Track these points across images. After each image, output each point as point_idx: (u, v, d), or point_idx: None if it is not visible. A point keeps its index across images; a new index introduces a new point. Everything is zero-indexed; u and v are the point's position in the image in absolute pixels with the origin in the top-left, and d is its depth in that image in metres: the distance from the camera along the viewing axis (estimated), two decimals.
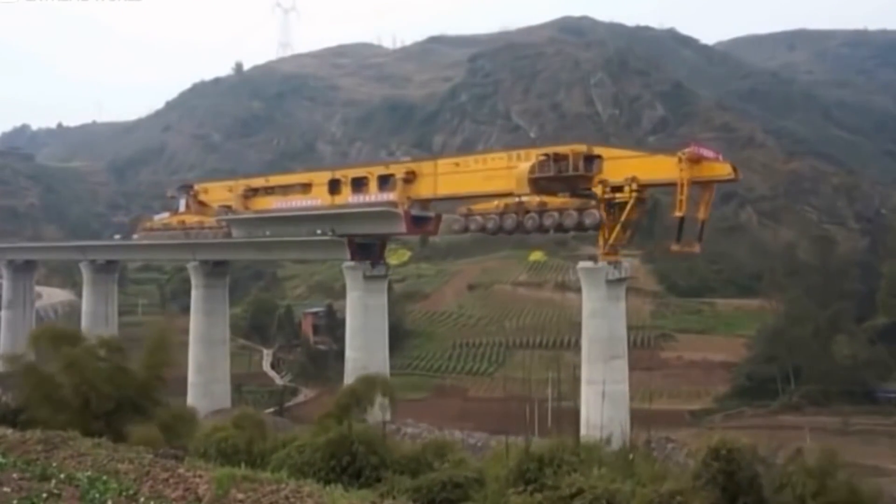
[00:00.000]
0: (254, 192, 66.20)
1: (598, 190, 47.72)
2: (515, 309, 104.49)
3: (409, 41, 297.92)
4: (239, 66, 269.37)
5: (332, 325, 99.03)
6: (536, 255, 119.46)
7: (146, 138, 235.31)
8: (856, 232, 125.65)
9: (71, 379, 18.47)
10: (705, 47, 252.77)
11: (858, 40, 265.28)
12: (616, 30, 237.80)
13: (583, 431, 42.34)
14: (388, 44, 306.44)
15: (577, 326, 56.94)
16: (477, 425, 63.51)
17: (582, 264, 51.25)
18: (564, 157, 46.82)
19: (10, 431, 11.46)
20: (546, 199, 48.65)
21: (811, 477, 9.66)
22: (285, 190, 64.66)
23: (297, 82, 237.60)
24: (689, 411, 75.26)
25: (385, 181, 57.28)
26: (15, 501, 7.71)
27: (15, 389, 20.83)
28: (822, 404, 71.51)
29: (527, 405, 44.00)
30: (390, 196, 56.09)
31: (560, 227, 49.10)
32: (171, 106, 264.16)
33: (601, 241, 49.15)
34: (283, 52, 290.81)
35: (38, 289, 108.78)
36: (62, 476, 8.69)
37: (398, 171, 56.56)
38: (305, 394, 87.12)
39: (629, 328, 56.97)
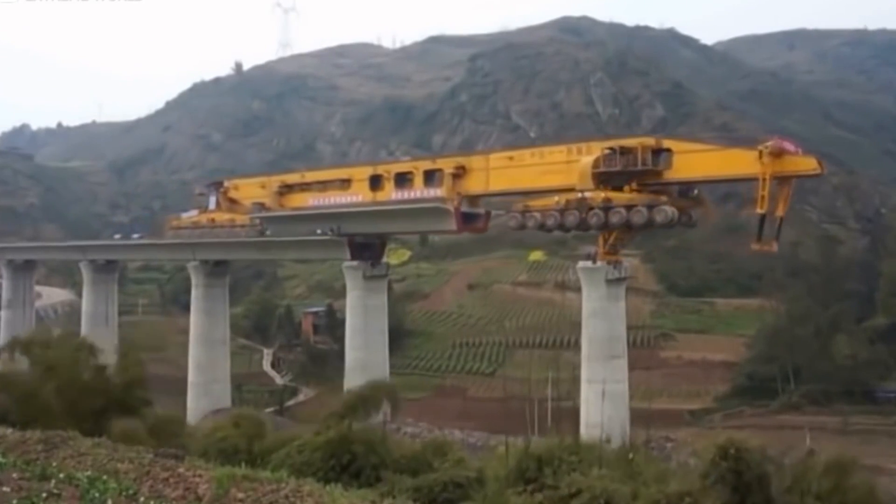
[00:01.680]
0: (289, 188, 64.04)
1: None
2: (515, 309, 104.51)
3: (409, 41, 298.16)
4: (239, 66, 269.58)
5: (332, 324, 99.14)
6: (536, 255, 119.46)
7: (146, 138, 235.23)
8: (856, 232, 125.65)
9: (51, 383, 18.32)
10: (705, 47, 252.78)
11: (858, 40, 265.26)
12: (616, 30, 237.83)
13: (582, 431, 42.37)
14: (388, 44, 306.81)
15: (577, 326, 56.91)
16: (477, 425, 63.65)
17: (582, 264, 51.21)
18: (632, 151, 44.85)
19: (9, 431, 11.46)
20: (611, 194, 45.80)
21: (827, 476, 9.61)
22: (323, 186, 62.42)
23: (297, 82, 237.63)
24: (689, 411, 75.36)
25: (431, 176, 55.01)
26: (15, 501, 7.71)
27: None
28: (822, 404, 71.55)
29: (526, 405, 44.02)
30: (437, 192, 53.88)
31: (628, 225, 46.30)
32: (171, 106, 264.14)
33: (601, 241, 49.11)
34: (283, 52, 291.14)
35: (38, 289, 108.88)
36: (62, 476, 8.69)
37: (447, 165, 54.16)
38: (305, 393, 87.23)
39: (629, 328, 57.01)
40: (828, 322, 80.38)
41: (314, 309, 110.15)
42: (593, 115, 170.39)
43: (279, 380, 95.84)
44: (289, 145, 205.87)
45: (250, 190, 67.79)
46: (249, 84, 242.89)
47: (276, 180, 65.12)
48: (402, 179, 56.79)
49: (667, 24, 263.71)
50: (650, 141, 45.89)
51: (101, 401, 18.18)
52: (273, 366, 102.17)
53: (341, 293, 76.20)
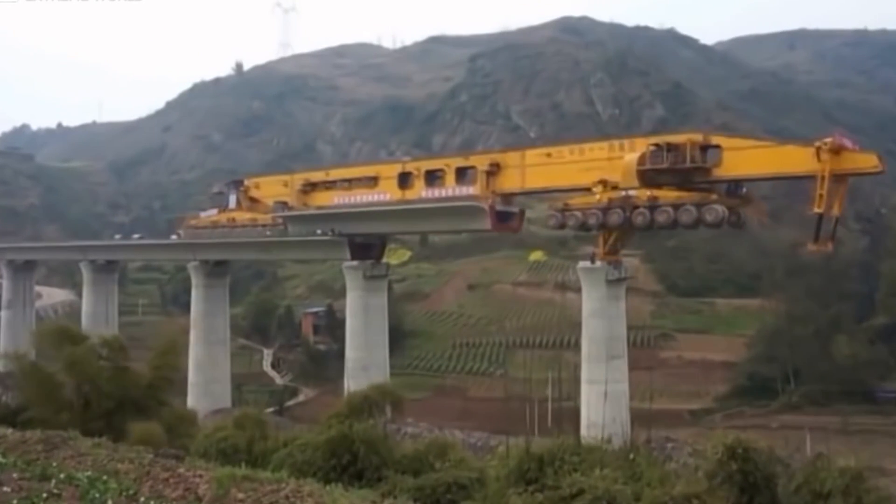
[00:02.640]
0: (312, 186, 62.23)
1: (597, 190, 47.41)
2: (515, 309, 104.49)
3: (409, 41, 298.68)
4: (239, 66, 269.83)
5: (332, 325, 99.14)
6: (536, 255, 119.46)
7: (146, 138, 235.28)
8: (856, 232, 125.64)
9: (72, 378, 18.47)
10: (705, 47, 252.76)
11: (858, 40, 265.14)
12: (616, 30, 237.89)
13: (583, 431, 42.34)
14: (388, 44, 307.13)
15: (577, 326, 56.88)
16: (477, 425, 63.54)
17: (582, 264, 51.19)
18: (679, 147, 43.53)
19: (10, 431, 11.45)
20: (658, 192, 44.42)
21: (840, 478, 9.53)
22: (349, 184, 60.64)
23: (297, 82, 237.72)
24: (689, 411, 75.36)
25: (463, 174, 53.69)
26: (15, 501, 7.70)
27: (15, 389, 20.84)
28: (822, 404, 71.49)
29: (527, 405, 44.05)
30: (470, 190, 52.53)
31: (675, 224, 45.06)
32: (171, 106, 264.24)
33: (601, 241, 49.05)
34: (283, 52, 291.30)
35: (38, 289, 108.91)
36: (62, 476, 8.68)
37: (481, 162, 52.61)
38: (305, 393, 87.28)
39: (629, 328, 56.96)
40: (828, 322, 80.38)
41: (314, 309, 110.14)
42: (593, 115, 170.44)
43: (279, 380, 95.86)
44: (289, 145, 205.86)
45: (272, 188, 66.03)
46: (249, 84, 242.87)
47: (299, 178, 63.40)
48: (433, 177, 55.45)
49: (667, 25, 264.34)
50: (698, 137, 44.37)
51: (117, 400, 18.28)
52: (273, 366, 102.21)
53: (341, 293, 76.18)
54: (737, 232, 62.59)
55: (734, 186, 45.27)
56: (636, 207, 44.85)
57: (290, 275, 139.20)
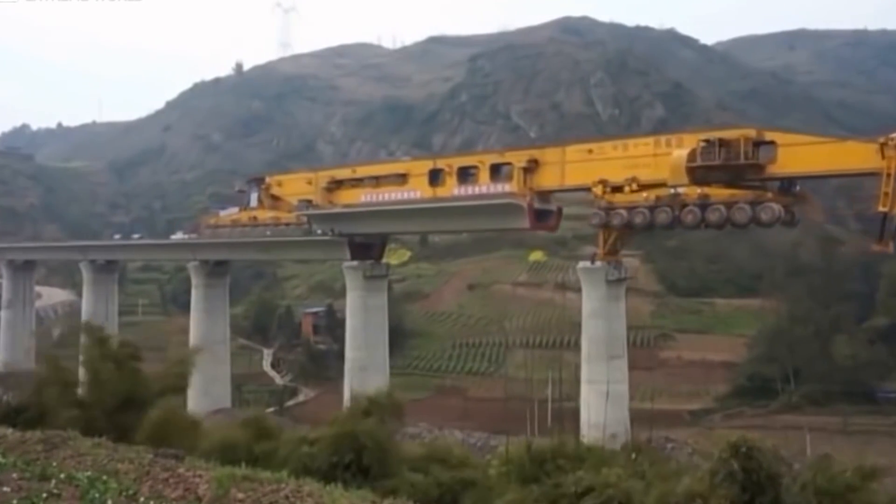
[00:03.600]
0: (338, 184, 60.14)
1: (597, 190, 47.31)
2: (515, 309, 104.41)
3: (409, 41, 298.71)
4: (239, 66, 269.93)
5: (332, 324, 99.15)
6: (536, 255, 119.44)
7: (146, 138, 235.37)
8: (856, 232, 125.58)
9: (90, 377, 18.94)
10: (705, 47, 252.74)
11: (858, 40, 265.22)
12: (616, 30, 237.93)
13: (583, 431, 42.39)
14: (388, 44, 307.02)
15: (577, 326, 56.78)
16: (477, 425, 63.56)
17: (582, 264, 51.05)
18: (732, 143, 42.01)
19: (10, 431, 11.45)
20: (709, 190, 43.09)
21: (853, 476, 9.51)
22: (376, 181, 58.50)
23: (297, 82, 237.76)
24: (689, 411, 75.32)
25: (498, 170, 51.95)
26: (15, 501, 7.70)
27: (16, 389, 21.03)
28: (822, 404, 71.42)
29: (527, 405, 44.08)
30: (505, 187, 50.86)
31: (727, 223, 43.59)
32: (171, 106, 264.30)
33: (601, 241, 48.96)
34: (283, 52, 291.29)
35: (38, 289, 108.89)
36: (62, 476, 8.68)
37: (517, 159, 50.70)
38: (305, 393, 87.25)
39: (629, 328, 56.88)
40: (828, 322, 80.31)
41: (314, 309, 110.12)
42: (593, 115, 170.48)
43: (279, 380, 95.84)
44: (289, 145, 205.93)
45: (295, 186, 64.01)
46: (249, 84, 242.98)
47: (324, 175, 61.50)
48: (466, 174, 53.65)
49: (667, 25, 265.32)
50: (751, 132, 42.66)
51: (125, 399, 18.55)
52: (273, 366, 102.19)
53: (341, 293, 76.15)
54: (737, 232, 62.32)
55: (787, 184, 43.88)
56: (685, 206, 43.62)
57: (290, 275, 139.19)
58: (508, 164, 51.36)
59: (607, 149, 47.83)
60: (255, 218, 65.98)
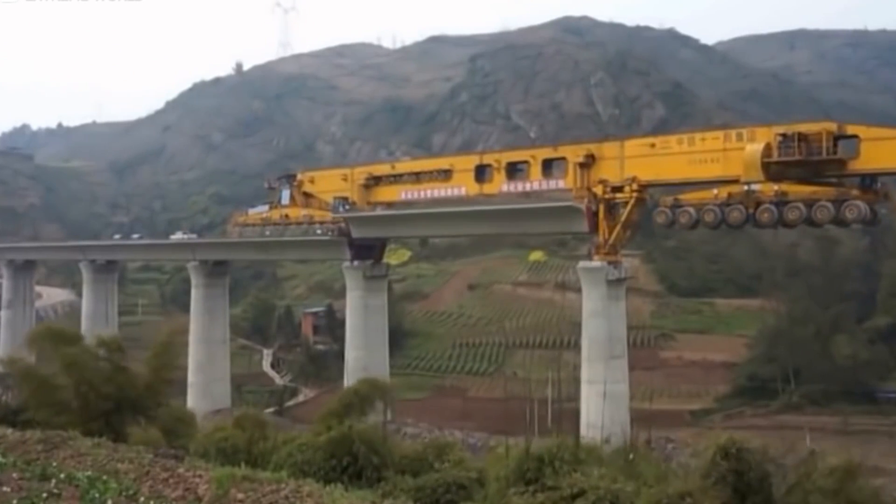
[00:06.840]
0: (376, 180, 57.87)
1: (598, 189, 47.33)
2: (515, 309, 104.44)
3: (409, 41, 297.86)
4: (239, 66, 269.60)
5: (332, 325, 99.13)
6: (536, 255, 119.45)
7: (146, 138, 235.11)
8: (856, 232, 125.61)
9: (70, 379, 18.40)
10: (705, 47, 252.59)
11: (858, 40, 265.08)
12: (616, 30, 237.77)
13: (583, 431, 42.36)
14: (388, 44, 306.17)
15: (577, 326, 56.79)
16: (477, 425, 63.57)
17: (582, 264, 51.11)
18: (811, 137, 40.12)
19: (10, 431, 11.45)
20: (787, 187, 41.03)
21: (831, 477, 9.52)
22: (417, 178, 56.06)
23: (297, 82, 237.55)
24: (689, 411, 75.28)
25: (549, 166, 50.05)
26: (15, 501, 7.70)
27: (15, 389, 20.83)
28: (822, 404, 71.46)
29: (527, 405, 44.04)
30: (560, 184, 49.28)
31: (807, 222, 41.77)
32: (171, 106, 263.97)
33: (600, 241, 48.95)
34: (283, 52, 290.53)
35: (38, 289, 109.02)
36: (62, 476, 8.69)
37: (573, 153, 48.33)
38: (305, 393, 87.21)
39: (629, 328, 56.91)
40: (828, 322, 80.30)
41: (314, 309, 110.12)
42: (594, 115, 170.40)
43: (279, 380, 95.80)
44: (289, 145, 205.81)
45: (329, 182, 61.44)
46: (249, 84, 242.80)
47: (360, 172, 59.28)
48: (515, 170, 51.56)
49: (667, 25, 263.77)
50: (832, 126, 40.81)
51: (115, 401, 18.25)
52: (273, 366, 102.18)
53: (341, 293, 76.14)
54: (736, 232, 62.30)
55: (869, 181, 41.87)
56: (760, 203, 41.67)
57: (290, 275, 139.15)
58: (562, 158, 49.37)
59: (672, 143, 45.85)
60: (286, 216, 63.48)
